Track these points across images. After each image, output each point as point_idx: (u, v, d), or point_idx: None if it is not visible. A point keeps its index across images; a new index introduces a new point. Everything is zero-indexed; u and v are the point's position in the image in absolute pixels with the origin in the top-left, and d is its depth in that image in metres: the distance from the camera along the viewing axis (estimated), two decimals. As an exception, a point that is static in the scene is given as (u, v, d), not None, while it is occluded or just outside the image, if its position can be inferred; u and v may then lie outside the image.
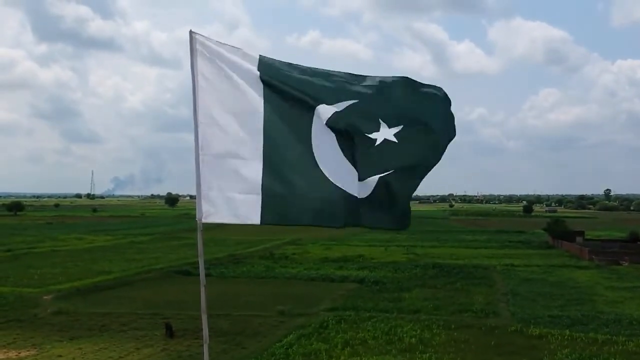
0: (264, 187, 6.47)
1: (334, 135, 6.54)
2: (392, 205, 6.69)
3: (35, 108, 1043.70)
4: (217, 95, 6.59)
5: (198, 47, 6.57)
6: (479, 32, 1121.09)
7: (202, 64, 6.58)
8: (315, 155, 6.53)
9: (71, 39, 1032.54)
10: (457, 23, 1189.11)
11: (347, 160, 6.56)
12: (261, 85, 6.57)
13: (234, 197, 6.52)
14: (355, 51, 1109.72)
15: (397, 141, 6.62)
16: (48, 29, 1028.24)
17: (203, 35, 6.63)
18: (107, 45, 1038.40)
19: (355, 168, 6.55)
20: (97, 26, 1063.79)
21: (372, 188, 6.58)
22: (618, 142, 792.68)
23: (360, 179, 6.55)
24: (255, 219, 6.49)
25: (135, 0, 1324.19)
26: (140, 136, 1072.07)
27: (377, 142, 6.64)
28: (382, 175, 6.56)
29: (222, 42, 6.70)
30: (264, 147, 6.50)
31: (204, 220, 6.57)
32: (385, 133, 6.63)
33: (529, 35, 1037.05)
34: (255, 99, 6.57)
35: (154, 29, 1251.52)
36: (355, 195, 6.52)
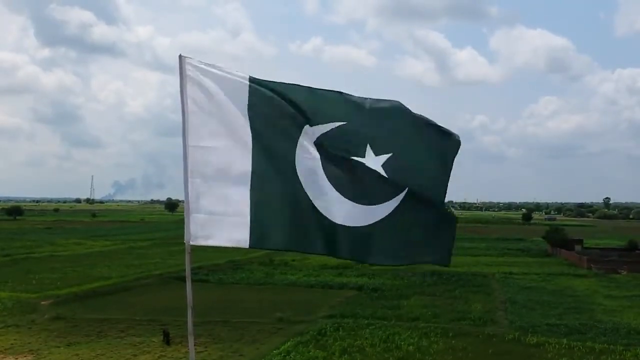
0: (253, 210, 6.51)
1: (319, 160, 6.59)
2: (410, 235, 6.67)
3: (37, 112, 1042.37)
4: (207, 119, 6.65)
5: (188, 71, 6.64)
6: (481, 40, 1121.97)
7: (191, 88, 6.64)
8: (301, 181, 6.57)
9: (74, 44, 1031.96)
10: (460, 31, 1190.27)
11: (334, 188, 6.58)
12: (248, 109, 6.63)
13: (222, 220, 6.55)
14: (358, 58, 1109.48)
15: (386, 176, 6.64)
16: (51, 34, 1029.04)
17: (193, 59, 6.69)
18: (110, 50, 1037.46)
19: (346, 196, 6.57)
20: (100, 31, 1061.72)
21: (380, 216, 6.59)
22: (618, 150, 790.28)
23: (361, 205, 6.57)
24: (244, 242, 6.53)
25: (138, 6, 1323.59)
26: (142, 141, 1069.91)
27: (369, 168, 6.62)
28: (388, 202, 6.60)
29: (213, 63, 6.74)
30: (252, 171, 6.56)
31: (192, 243, 6.58)
32: (371, 162, 6.64)
33: (531, 43, 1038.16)
34: (243, 123, 6.63)
35: (157, 35, 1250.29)
36: (348, 225, 6.53)
